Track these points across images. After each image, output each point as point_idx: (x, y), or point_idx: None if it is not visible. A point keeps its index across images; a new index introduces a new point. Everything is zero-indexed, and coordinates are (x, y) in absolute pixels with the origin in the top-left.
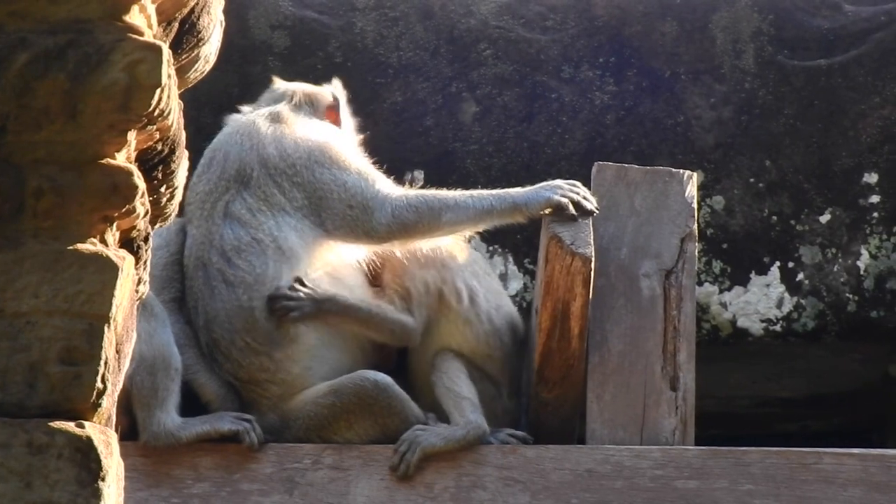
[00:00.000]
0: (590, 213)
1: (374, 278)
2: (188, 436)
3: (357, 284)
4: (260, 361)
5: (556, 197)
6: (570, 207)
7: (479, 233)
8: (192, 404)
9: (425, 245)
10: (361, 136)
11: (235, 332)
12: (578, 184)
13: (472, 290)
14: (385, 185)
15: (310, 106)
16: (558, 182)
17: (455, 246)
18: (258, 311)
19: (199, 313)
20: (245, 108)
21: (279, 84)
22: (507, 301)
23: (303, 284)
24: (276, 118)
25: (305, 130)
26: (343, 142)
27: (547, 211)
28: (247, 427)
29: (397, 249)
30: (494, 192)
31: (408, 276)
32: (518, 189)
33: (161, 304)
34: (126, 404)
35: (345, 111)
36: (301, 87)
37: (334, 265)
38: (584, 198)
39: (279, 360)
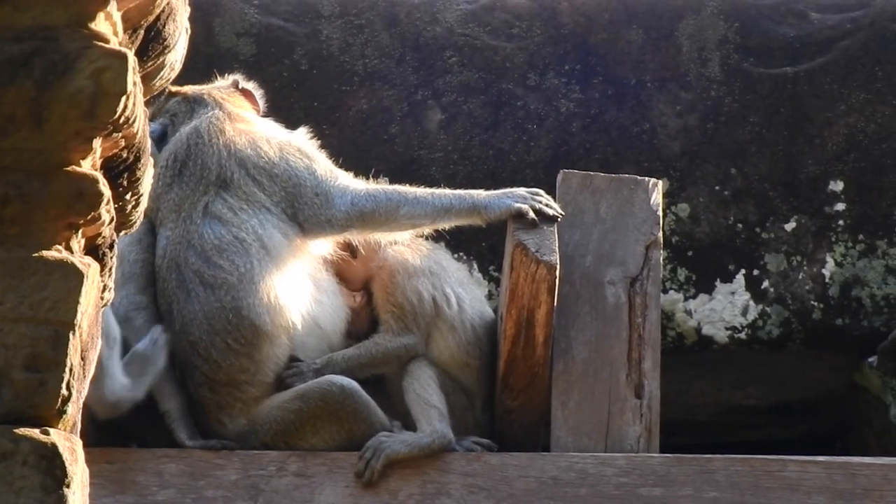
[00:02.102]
0: (553, 218)
1: (346, 282)
2: (138, 395)
3: (332, 290)
4: (240, 363)
5: (517, 204)
6: (531, 214)
7: (444, 240)
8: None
9: (383, 237)
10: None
11: (216, 333)
12: (540, 191)
13: (459, 297)
14: (347, 179)
15: (239, 99)
16: (520, 190)
17: (441, 254)
18: (245, 309)
19: (175, 318)
20: (159, 122)
21: (187, 89)
22: (488, 310)
23: (298, 360)
24: (234, 119)
25: (269, 128)
26: (303, 138)
27: (507, 217)
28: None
29: (356, 239)
30: (455, 191)
31: (399, 291)
32: (481, 192)
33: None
34: None
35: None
36: (214, 88)
37: (311, 269)
38: (547, 205)
39: (259, 360)
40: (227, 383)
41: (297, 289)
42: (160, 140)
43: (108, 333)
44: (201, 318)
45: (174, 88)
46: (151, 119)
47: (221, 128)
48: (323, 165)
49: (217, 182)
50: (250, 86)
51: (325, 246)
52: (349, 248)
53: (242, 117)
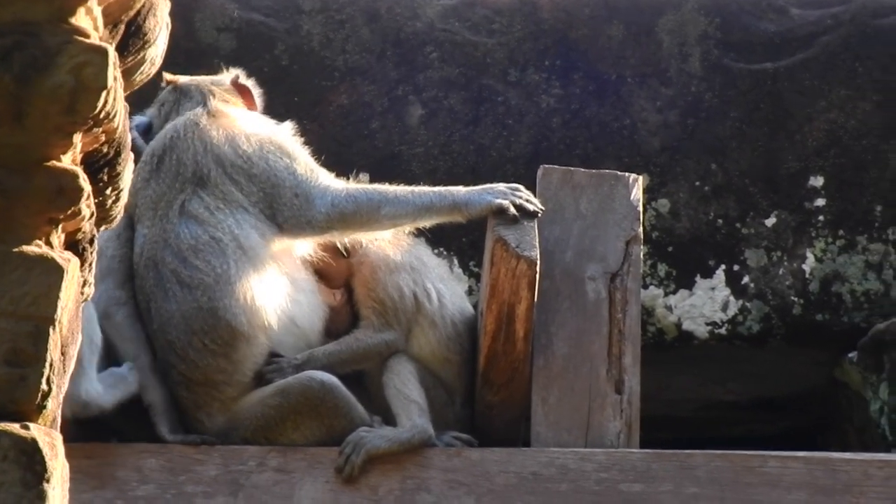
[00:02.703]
0: (533, 214)
1: (326, 280)
2: (106, 405)
3: (310, 288)
4: (217, 363)
5: (497, 200)
6: (511, 209)
7: (425, 236)
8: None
9: (365, 237)
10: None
11: (193, 333)
12: (521, 187)
13: (440, 292)
14: (327, 178)
15: (232, 95)
16: (500, 186)
17: (422, 250)
18: (221, 310)
19: (153, 316)
20: (150, 112)
21: (180, 79)
22: (468, 306)
23: (278, 356)
24: (216, 115)
25: (251, 124)
26: (287, 135)
27: (487, 213)
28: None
29: (337, 240)
30: (436, 189)
31: (380, 286)
32: (461, 188)
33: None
34: None
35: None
36: (207, 81)
37: (288, 268)
38: (527, 200)
39: (236, 360)
40: (203, 383)
41: (274, 289)
42: (146, 133)
43: (91, 337)
44: (178, 318)
45: (169, 77)
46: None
47: (200, 123)
48: (304, 164)
49: (193, 179)
50: (249, 83)
51: (306, 246)
52: (336, 249)
53: (226, 113)
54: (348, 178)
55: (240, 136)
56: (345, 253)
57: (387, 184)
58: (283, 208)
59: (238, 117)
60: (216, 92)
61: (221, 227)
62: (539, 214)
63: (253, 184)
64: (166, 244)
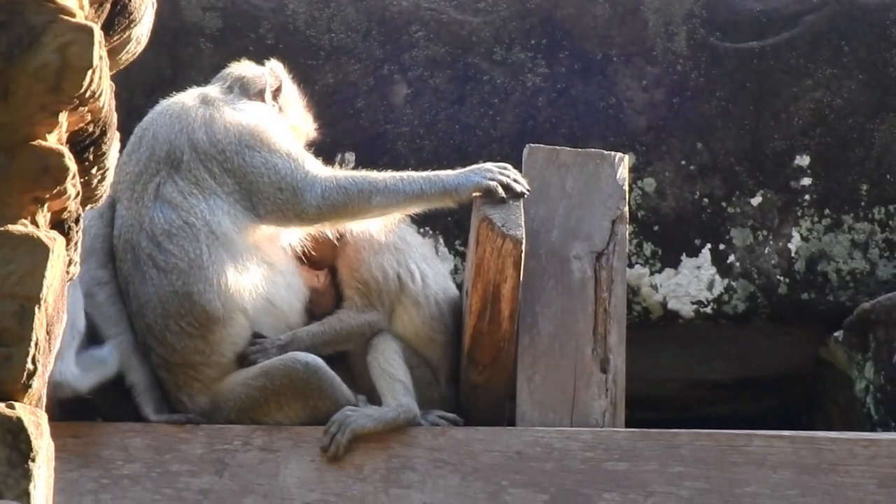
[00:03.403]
0: (520, 195)
1: (310, 262)
2: (81, 388)
3: (289, 270)
4: (195, 344)
5: (486, 181)
6: (500, 191)
7: (409, 215)
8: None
9: (356, 227)
10: (310, 112)
11: (169, 316)
12: (509, 166)
13: (423, 272)
14: (314, 167)
15: (241, 88)
16: (489, 165)
17: (405, 230)
18: (196, 294)
19: (131, 298)
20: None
21: (229, 69)
22: (452, 286)
23: (261, 336)
24: (206, 101)
25: (235, 114)
26: (272, 124)
27: (477, 195)
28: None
29: (328, 230)
30: (425, 175)
31: (364, 267)
32: (449, 172)
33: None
34: None
35: (289, 90)
36: (236, 70)
37: (265, 250)
38: (515, 180)
39: (213, 342)
40: (182, 364)
41: (249, 271)
42: None
43: (73, 322)
44: (155, 301)
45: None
46: None
47: (186, 104)
48: (286, 156)
49: (168, 161)
50: (283, 78)
51: (294, 234)
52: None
53: (215, 98)
54: (334, 159)
55: (217, 122)
56: (333, 239)
57: (372, 165)
58: (266, 202)
59: (227, 106)
60: (230, 81)
61: (194, 213)
62: (526, 195)
63: (227, 176)
64: (142, 228)
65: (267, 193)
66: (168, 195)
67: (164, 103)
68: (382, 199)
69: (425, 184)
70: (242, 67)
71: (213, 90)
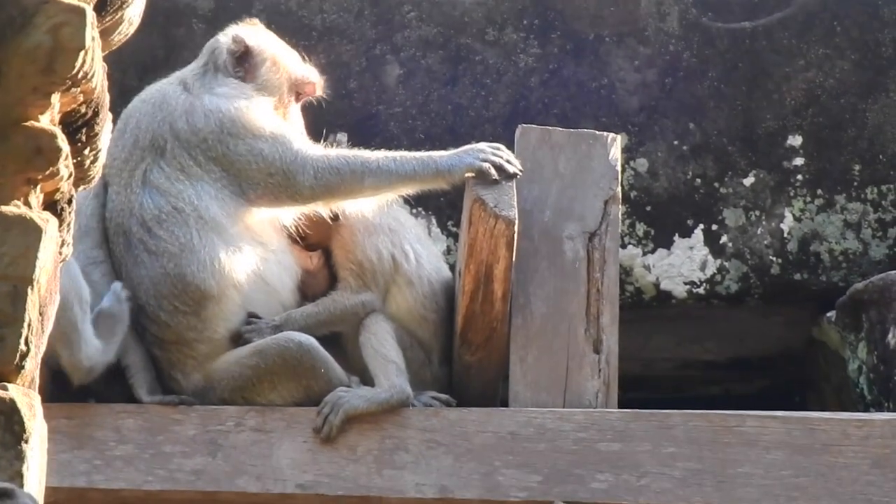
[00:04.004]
0: (513, 175)
1: (304, 243)
2: (110, 358)
3: (280, 248)
4: (188, 321)
5: (479, 162)
6: (493, 171)
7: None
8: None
9: (348, 206)
10: (301, 75)
11: (163, 297)
12: (502, 147)
13: (417, 252)
14: (303, 146)
15: (214, 65)
16: (482, 146)
17: (399, 210)
18: (189, 276)
19: (124, 280)
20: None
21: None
22: (444, 267)
23: (256, 317)
24: (186, 86)
25: (214, 100)
26: (252, 106)
27: (470, 175)
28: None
29: (322, 210)
30: (418, 155)
31: (359, 248)
32: (441, 153)
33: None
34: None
35: (263, 51)
36: (210, 44)
37: (257, 230)
38: (508, 161)
39: (206, 318)
40: (176, 341)
41: (241, 251)
42: None
43: (80, 296)
44: (148, 284)
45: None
46: None
47: (168, 91)
48: (271, 140)
49: (152, 149)
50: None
51: (287, 214)
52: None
53: (194, 83)
54: (326, 139)
55: (197, 111)
56: (328, 219)
57: (364, 146)
58: (257, 188)
59: (205, 90)
60: (205, 59)
61: (182, 198)
62: (518, 176)
63: (213, 164)
64: (132, 213)
65: (257, 179)
66: (155, 181)
67: (147, 91)
68: (375, 180)
69: (418, 165)
70: (213, 41)
71: (191, 72)
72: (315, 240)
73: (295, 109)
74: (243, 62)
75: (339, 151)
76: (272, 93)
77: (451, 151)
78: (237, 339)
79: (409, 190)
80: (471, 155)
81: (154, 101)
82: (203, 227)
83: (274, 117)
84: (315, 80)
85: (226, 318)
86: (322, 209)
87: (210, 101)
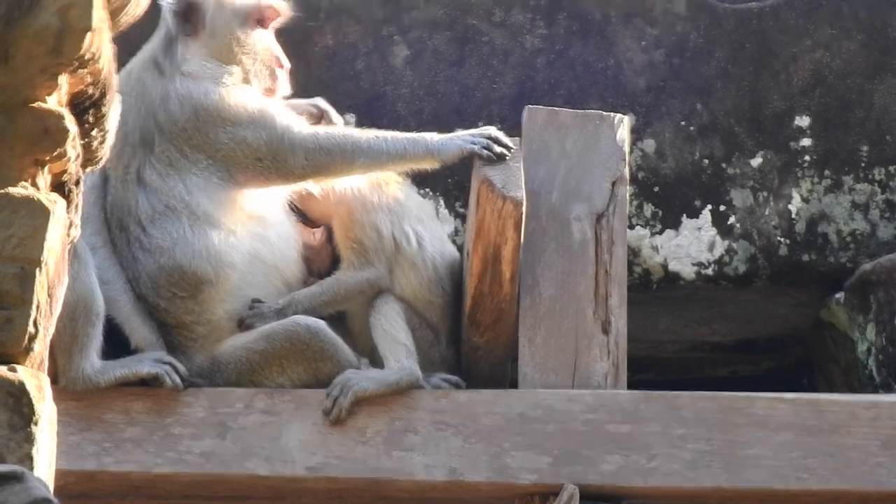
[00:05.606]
0: (501, 156)
1: (306, 219)
2: (107, 380)
3: (279, 220)
4: (185, 305)
5: (469, 146)
6: (484, 153)
7: (409, 176)
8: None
9: (339, 184)
10: (252, 2)
11: (160, 287)
12: (491, 129)
13: (419, 234)
14: (288, 124)
15: (170, 34)
16: (476, 130)
17: (399, 190)
18: (185, 266)
19: (127, 268)
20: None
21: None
22: (450, 247)
23: (259, 302)
24: (158, 67)
25: (186, 83)
26: (222, 90)
27: (459, 159)
28: (166, 369)
29: (313, 187)
30: (409, 136)
31: (357, 226)
32: (433, 135)
33: (85, 245)
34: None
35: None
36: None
37: (253, 206)
38: (496, 141)
39: (203, 301)
40: (176, 325)
41: (235, 234)
42: None
43: (91, 309)
44: (145, 278)
45: None
46: None
47: (144, 81)
48: (252, 124)
49: (143, 144)
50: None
51: (280, 191)
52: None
53: (163, 68)
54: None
55: (172, 98)
56: (329, 195)
57: (372, 127)
58: (245, 172)
59: (175, 73)
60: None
61: (173, 195)
62: (507, 156)
63: (198, 153)
64: (129, 212)
65: (244, 164)
66: (148, 179)
67: (125, 80)
68: (366, 159)
69: (409, 144)
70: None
71: (159, 46)
72: (317, 216)
73: (266, 37)
74: (189, 17)
75: (327, 130)
76: (224, 39)
77: (444, 135)
78: (240, 324)
79: (400, 168)
80: (460, 138)
81: (136, 94)
82: (196, 222)
83: (247, 94)
84: (271, 1)
85: (222, 299)
86: (313, 187)
87: (182, 85)
